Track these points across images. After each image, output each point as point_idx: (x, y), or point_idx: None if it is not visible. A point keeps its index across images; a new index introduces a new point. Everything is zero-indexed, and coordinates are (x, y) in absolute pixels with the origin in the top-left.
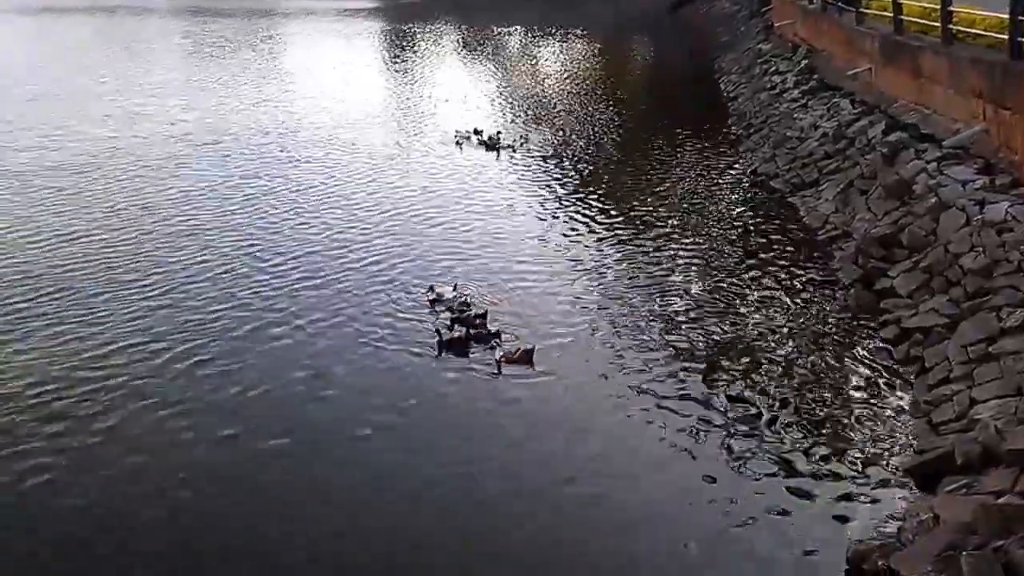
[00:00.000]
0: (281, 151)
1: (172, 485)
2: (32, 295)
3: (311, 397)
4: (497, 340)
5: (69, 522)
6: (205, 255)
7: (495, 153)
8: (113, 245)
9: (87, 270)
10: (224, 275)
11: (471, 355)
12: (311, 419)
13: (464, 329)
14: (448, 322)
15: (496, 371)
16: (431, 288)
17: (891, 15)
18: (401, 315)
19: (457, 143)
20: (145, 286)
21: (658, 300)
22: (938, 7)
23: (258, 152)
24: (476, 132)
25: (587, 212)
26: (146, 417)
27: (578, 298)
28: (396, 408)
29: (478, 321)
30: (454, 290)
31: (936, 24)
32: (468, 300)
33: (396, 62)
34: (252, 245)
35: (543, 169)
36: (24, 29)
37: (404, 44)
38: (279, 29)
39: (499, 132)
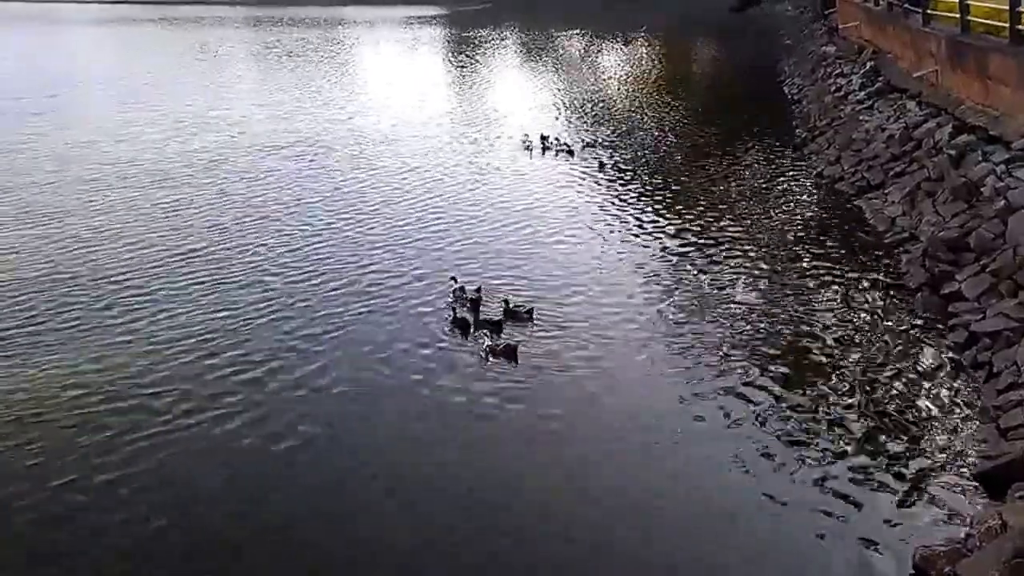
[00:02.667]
0: (351, 156)
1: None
2: (109, 293)
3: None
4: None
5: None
6: (280, 248)
7: (560, 156)
8: (190, 245)
9: (167, 268)
10: (297, 269)
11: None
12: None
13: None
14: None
15: (484, 361)
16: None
17: (958, 16)
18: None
19: (526, 147)
20: (225, 279)
21: (721, 303)
22: (1006, 7)
23: (327, 157)
24: (543, 138)
25: (649, 214)
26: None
27: (640, 299)
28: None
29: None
30: (477, 291)
31: (1004, 24)
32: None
33: (461, 68)
34: (322, 244)
35: (607, 172)
36: (103, 38)
37: (469, 50)
38: (348, 37)
39: (562, 136)
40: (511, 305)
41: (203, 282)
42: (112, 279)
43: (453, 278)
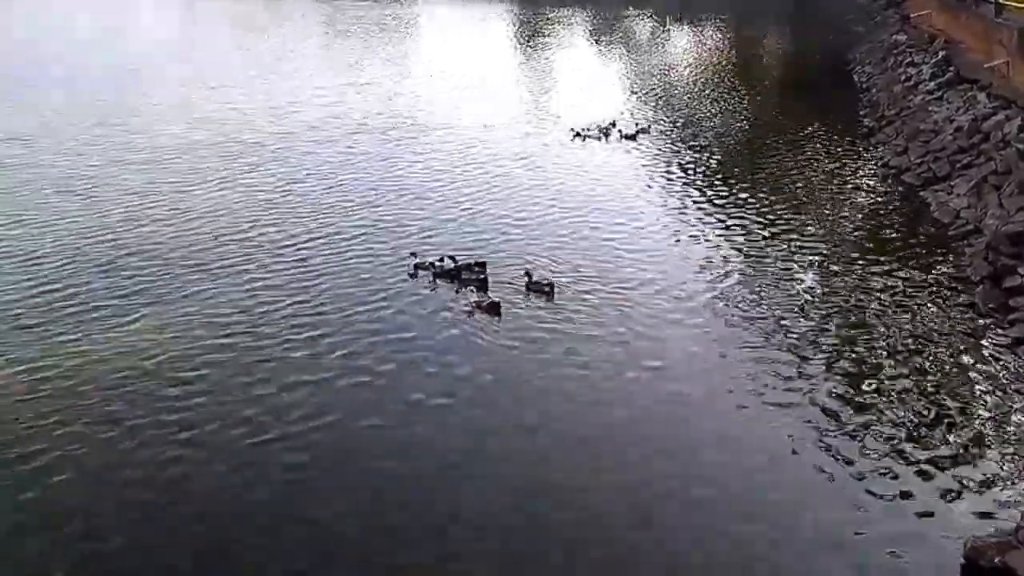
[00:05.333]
0: (411, 136)
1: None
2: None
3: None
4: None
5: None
6: (340, 227)
7: (624, 141)
8: (252, 221)
9: (232, 246)
10: (353, 247)
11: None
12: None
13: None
14: None
15: (470, 314)
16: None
17: None
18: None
19: (587, 132)
20: (284, 257)
21: (781, 291)
22: None
23: (389, 138)
24: (612, 125)
25: (710, 201)
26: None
27: (698, 286)
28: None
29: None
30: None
31: None
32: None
33: (524, 50)
34: (381, 223)
35: (668, 158)
36: (167, 13)
37: (535, 30)
38: (412, 14)
39: (625, 121)
40: (532, 279)
41: (276, 260)
42: (172, 253)
43: (412, 253)
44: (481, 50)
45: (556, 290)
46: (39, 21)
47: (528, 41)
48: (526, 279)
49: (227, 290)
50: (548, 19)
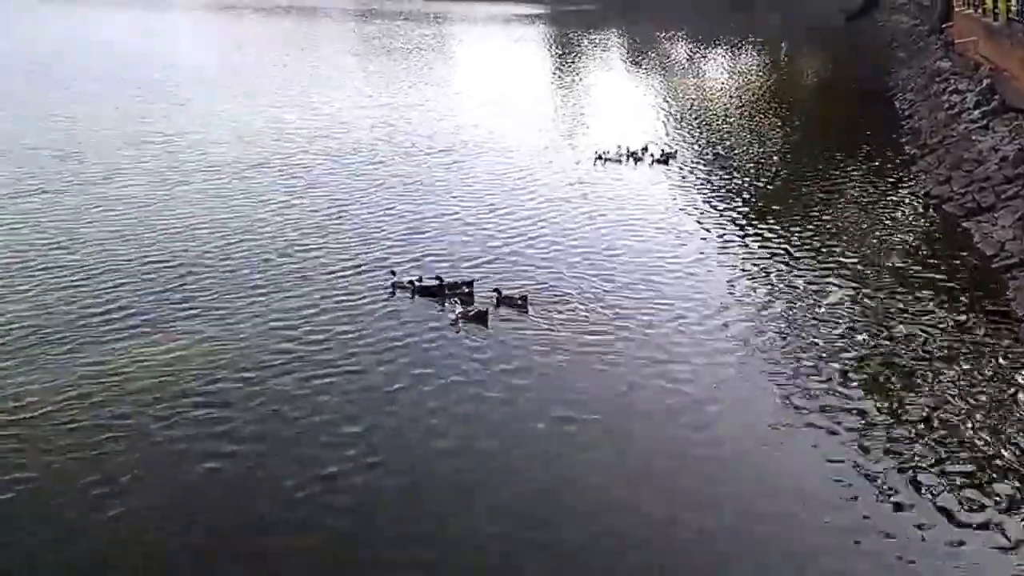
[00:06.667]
0: (440, 153)
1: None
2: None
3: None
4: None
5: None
6: (365, 240)
7: (656, 165)
8: (298, 232)
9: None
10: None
11: None
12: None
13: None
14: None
15: (455, 326)
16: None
17: None
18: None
19: (618, 156)
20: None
21: (818, 322)
22: None
23: (418, 154)
24: (644, 149)
25: (745, 228)
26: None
27: (734, 315)
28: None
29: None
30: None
31: None
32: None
33: (559, 70)
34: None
35: (703, 183)
36: (206, 26)
37: (567, 51)
38: (445, 33)
39: (658, 144)
40: (503, 294)
41: (305, 270)
42: (216, 265)
43: (391, 271)
44: (512, 70)
45: (531, 305)
46: (80, 39)
47: (560, 61)
48: (495, 295)
49: (261, 306)
50: (582, 40)
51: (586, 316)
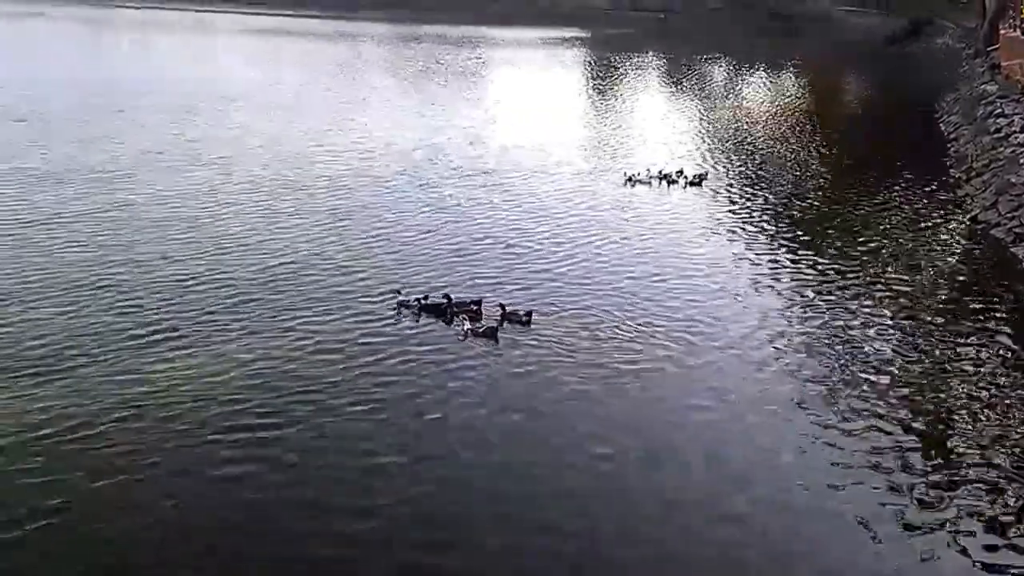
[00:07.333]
0: (482, 174)
1: None
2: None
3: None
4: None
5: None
6: (405, 261)
7: (690, 189)
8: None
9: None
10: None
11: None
12: None
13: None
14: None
15: (463, 340)
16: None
17: None
18: None
19: (629, 179)
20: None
21: (859, 351)
22: None
23: (456, 176)
24: (680, 172)
25: (782, 254)
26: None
27: (769, 345)
28: None
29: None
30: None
31: None
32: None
33: (595, 93)
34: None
35: (738, 208)
36: (249, 49)
37: (606, 74)
38: (485, 57)
39: (693, 167)
40: (507, 310)
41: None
42: (258, 283)
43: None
44: (551, 93)
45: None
46: (132, 64)
47: (598, 84)
48: (500, 310)
49: (305, 325)
50: (621, 64)
51: (605, 335)
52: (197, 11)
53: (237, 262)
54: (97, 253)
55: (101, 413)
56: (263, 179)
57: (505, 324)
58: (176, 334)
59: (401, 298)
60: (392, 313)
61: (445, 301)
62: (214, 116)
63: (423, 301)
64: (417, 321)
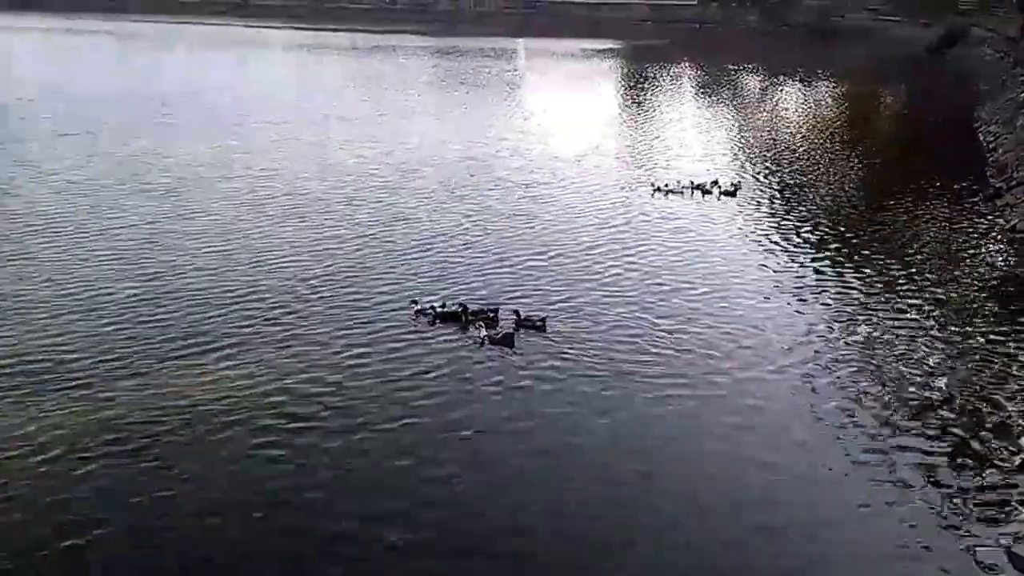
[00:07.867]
0: (521, 186)
1: None
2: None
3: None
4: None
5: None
6: (442, 272)
7: (724, 199)
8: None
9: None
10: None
11: None
12: None
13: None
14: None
15: (480, 346)
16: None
17: None
18: None
19: (658, 189)
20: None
21: (896, 362)
22: None
23: (495, 188)
24: (715, 183)
25: (819, 264)
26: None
27: (806, 355)
28: None
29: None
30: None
31: None
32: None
33: (633, 103)
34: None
35: (773, 218)
36: (290, 65)
37: (639, 85)
38: (522, 68)
39: (728, 178)
40: (522, 316)
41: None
42: (296, 294)
43: (414, 300)
44: (587, 104)
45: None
46: (187, 78)
47: (633, 94)
48: (515, 316)
49: (340, 335)
50: (656, 74)
51: (636, 346)
52: (247, 27)
53: (274, 272)
54: (135, 265)
55: (135, 425)
56: (301, 190)
57: (520, 331)
58: (211, 344)
59: (418, 307)
60: (425, 321)
61: (461, 309)
62: (255, 128)
63: (440, 309)
64: (433, 326)
